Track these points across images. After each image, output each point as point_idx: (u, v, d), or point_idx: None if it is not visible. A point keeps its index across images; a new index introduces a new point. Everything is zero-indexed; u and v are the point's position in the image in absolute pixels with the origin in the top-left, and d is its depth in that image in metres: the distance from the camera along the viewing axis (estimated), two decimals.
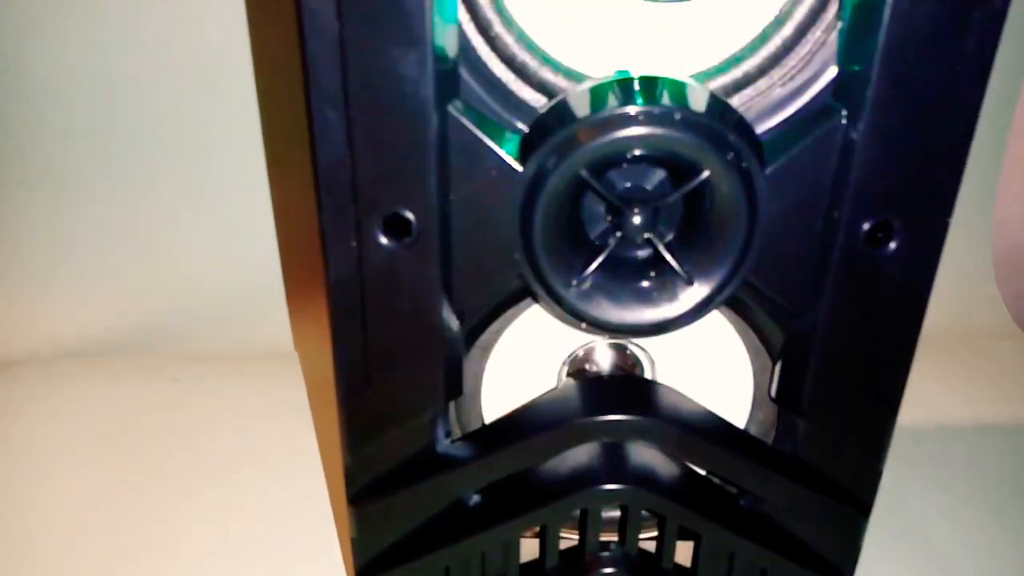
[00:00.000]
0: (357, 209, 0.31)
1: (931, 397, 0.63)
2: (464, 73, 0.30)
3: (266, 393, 0.62)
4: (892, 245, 0.31)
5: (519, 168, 0.30)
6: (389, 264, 0.32)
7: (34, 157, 0.66)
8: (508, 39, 0.30)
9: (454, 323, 0.35)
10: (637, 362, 0.39)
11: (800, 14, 0.30)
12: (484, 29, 0.30)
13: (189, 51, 0.64)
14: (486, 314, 0.36)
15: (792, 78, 0.31)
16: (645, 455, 0.37)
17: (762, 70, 0.31)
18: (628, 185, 0.32)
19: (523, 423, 0.37)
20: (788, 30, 0.30)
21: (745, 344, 0.37)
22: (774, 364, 0.37)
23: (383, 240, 0.31)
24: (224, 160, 0.67)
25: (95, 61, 0.63)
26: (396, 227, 0.31)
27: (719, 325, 0.37)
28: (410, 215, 0.31)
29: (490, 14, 0.30)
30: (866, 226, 0.31)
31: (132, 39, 0.63)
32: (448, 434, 0.38)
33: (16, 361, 0.65)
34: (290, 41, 0.31)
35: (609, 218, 0.32)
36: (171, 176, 0.68)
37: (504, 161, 0.30)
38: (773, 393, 0.37)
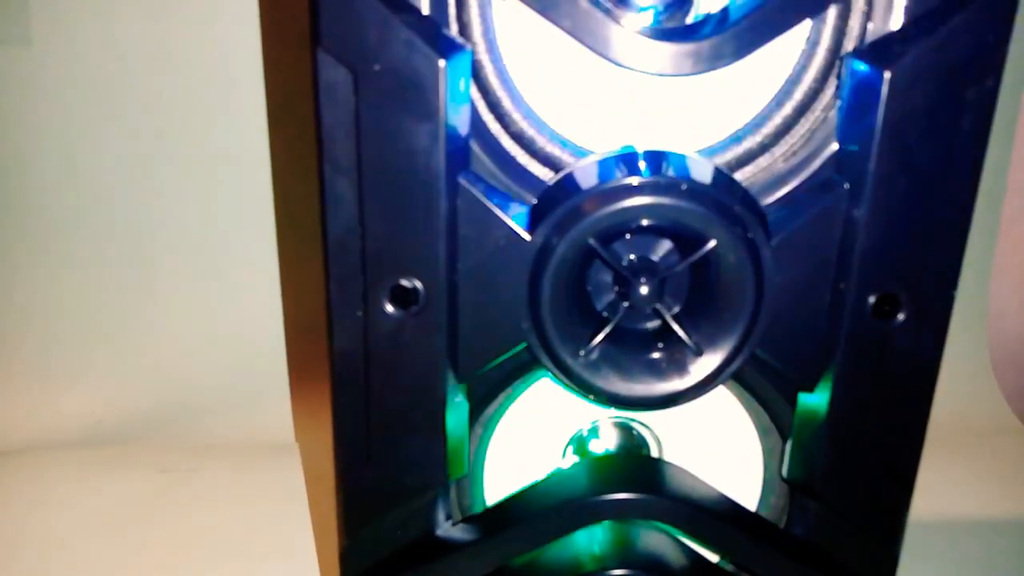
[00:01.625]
0: (365, 278, 0.31)
1: (936, 492, 0.62)
2: (475, 146, 0.31)
3: (260, 484, 0.60)
4: (899, 318, 0.31)
5: (528, 237, 0.30)
6: (395, 334, 0.32)
7: (25, 245, 0.67)
8: (516, 116, 0.31)
9: (459, 397, 0.34)
10: (643, 442, 0.39)
11: (799, 94, 0.31)
12: (494, 105, 0.31)
13: (186, 144, 0.65)
14: (491, 388, 0.36)
15: (794, 154, 0.32)
16: (654, 538, 0.36)
17: (764, 147, 0.32)
18: (635, 256, 0.32)
19: (527, 504, 0.36)
20: (788, 109, 0.31)
21: (754, 422, 0.37)
22: (784, 443, 0.36)
23: (390, 309, 0.31)
24: (220, 247, 0.68)
25: (90, 150, 0.65)
26: (403, 296, 0.31)
27: (727, 403, 0.37)
28: (418, 284, 0.31)
29: (500, 92, 0.31)
30: (872, 299, 0.31)
31: (127, 131, 0.64)
32: (449, 516, 0.36)
33: (3, 452, 0.64)
34: (305, 118, 0.31)
35: (616, 289, 0.32)
36: (166, 264, 0.68)
37: (513, 231, 0.30)
38: (785, 473, 0.36)
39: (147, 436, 0.66)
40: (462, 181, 0.30)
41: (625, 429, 0.39)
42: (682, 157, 0.31)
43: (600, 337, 0.31)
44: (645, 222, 0.30)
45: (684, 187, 0.29)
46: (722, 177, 0.31)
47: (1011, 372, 0.76)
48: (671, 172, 0.30)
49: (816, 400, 0.34)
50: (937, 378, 0.32)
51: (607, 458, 0.37)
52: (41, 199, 0.66)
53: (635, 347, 0.33)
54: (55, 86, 0.63)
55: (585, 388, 0.32)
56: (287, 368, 0.69)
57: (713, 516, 0.35)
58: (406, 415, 0.33)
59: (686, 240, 0.31)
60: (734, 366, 0.32)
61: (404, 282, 0.31)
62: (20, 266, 0.67)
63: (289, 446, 0.65)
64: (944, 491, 0.62)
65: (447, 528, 0.36)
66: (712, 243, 0.30)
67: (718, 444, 0.38)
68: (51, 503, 0.57)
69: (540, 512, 0.35)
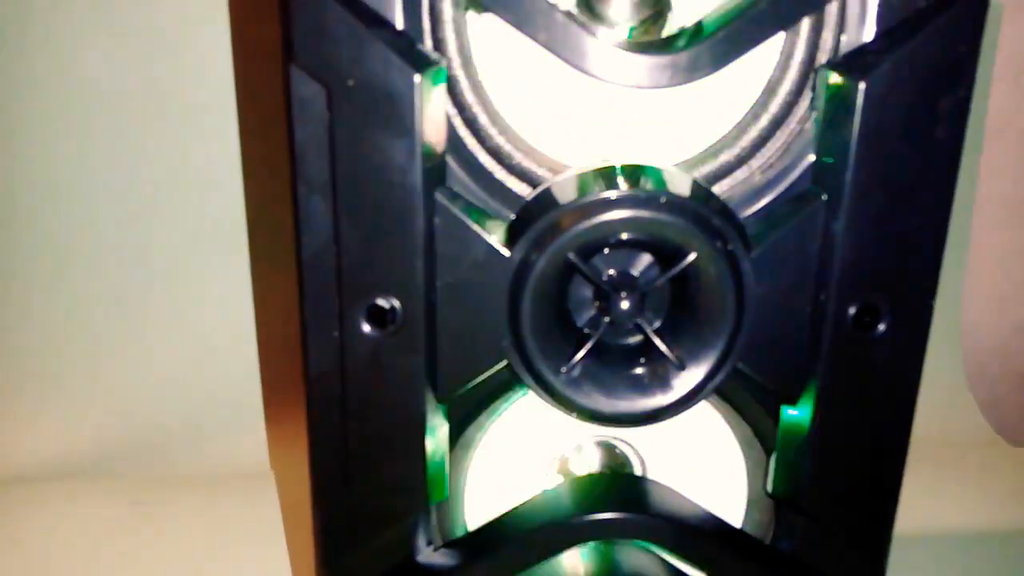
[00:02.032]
0: (341, 298, 0.31)
1: (918, 505, 0.62)
2: (451, 162, 0.31)
3: (235, 514, 0.58)
4: (880, 328, 0.31)
5: (506, 253, 0.30)
6: (372, 354, 0.31)
7: None
8: (493, 131, 0.31)
9: (438, 418, 0.33)
10: (626, 461, 0.38)
11: (775, 107, 0.31)
12: (470, 121, 0.31)
13: (155, 171, 0.64)
14: (471, 410, 0.35)
15: (771, 166, 0.32)
16: (639, 557, 0.35)
17: (741, 159, 0.32)
18: (615, 271, 0.32)
19: (510, 527, 0.35)
20: (764, 122, 0.31)
21: (737, 438, 0.37)
22: (768, 458, 0.36)
23: (366, 329, 0.31)
24: (191, 274, 0.67)
25: (58, 180, 0.64)
26: (380, 315, 0.31)
27: (709, 419, 0.37)
28: (395, 303, 0.30)
29: (475, 107, 0.31)
30: (853, 309, 0.31)
31: (91, 161, 0.63)
32: (430, 542, 0.35)
33: None
34: (279, 140, 0.31)
35: (597, 304, 0.32)
36: (136, 293, 0.67)
37: (492, 247, 0.30)
38: (769, 488, 0.36)
39: (118, 468, 0.64)
40: (439, 197, 0.30)
41: (608, 448, 0.38)
42: (659, 171, 0.31)
43: (582, 353, 0.31)
44: (624, 236, 0.29)
45: (663, 200, 0.29)
46: (700, 190, 0.31)
47: (985, 385, 0.77)
48: (649, 185, 0.29)
49: (799, 413, 0.34)
50: (919, 387, 0.32)
51: (590, 478, 0.37)
52: (17, 234, 0.65)
53: (617, 363, 0.32)
54: (29, 119, 0.62)
55: (568, 405, 0.32)
56: (262, 394, 0.68)
57: (698, 534, 0.35)
58: (384, 438, 0.33)
59: (666, 254, 0.30)
60: (717, 380, 0.31)
61: (381, 301, 0.31)
62: None
63: (264, 474, 0.64)
64: (926, 504, 0.62)
65: (428, 554, 0.35)
66: (692, 256, 0.29)
67: (701, 461, 0.37)
68: (20, 537, 0.55)
69: (523, 535, 0.34)
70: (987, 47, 0.70)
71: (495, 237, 0.30)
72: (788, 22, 0.29)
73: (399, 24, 0.28)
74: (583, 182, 0.30)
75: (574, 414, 0.32)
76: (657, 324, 0.32)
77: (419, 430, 0.32)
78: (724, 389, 0.34)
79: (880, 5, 0.28)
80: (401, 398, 0.32)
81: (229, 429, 0.67)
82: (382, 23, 0.28)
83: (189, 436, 0.66)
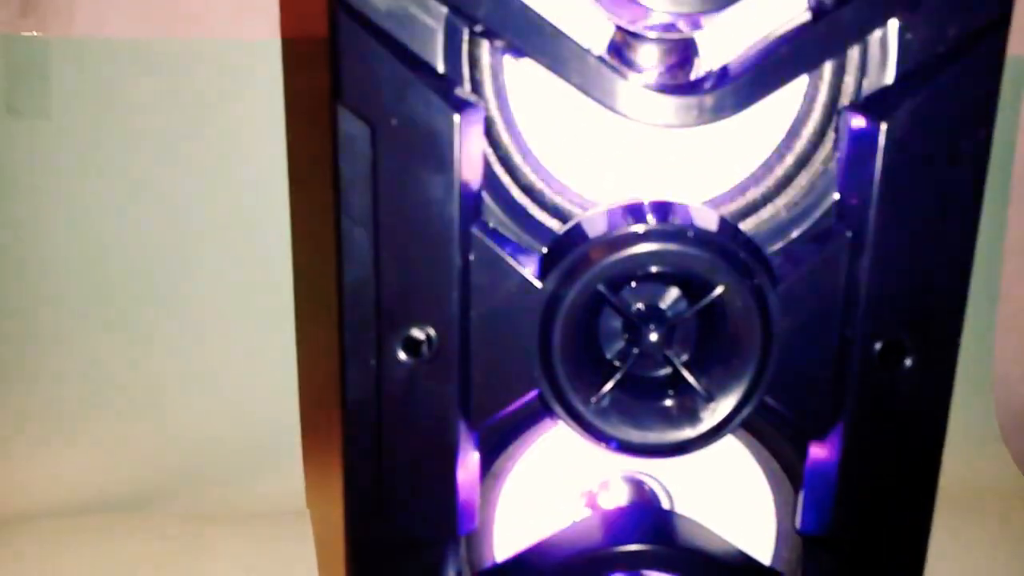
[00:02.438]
0: (379, 327, 0.32)
1: (949, 556, 0.61)
2: (486, 197, 0.32)
3: (269, 552, 0.59)
4: (906, 364, 0.32)
5: (539, 285, 0.31)
6: (407, 382, 0.32)
7: (35, 313, 0.67)
8: (526, 169, 0.32)
9: (470, 448, 0.34)
10: (654, 495, 0.38)
11: (799, 147, 0.32)
12: (504, 159, 0.32)
13: (201, 213, 0.66)
14: (501, 439, 0.36)
15: (796, 204, 0.33)
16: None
17: (767, 198, 0.33)
18: (643, 304, 0.33)
19: (538, 559, 0.36)
20: (789, 161, 0.32)
21: (765, 473, 0.37)
22: (797, 494, 0.36)
23: (402, 357, 0.32)
24: (234, 312, 0.68)
25: (105, 221, 0.66)
26: (416, 344, 0.32)
27: (737, 454, 0.37)
28: (431, 332, 0.32)
29: (510, 146, 0.32)
30: (878, 345, 0.32)
31: (141, 201, 0.66)
32: (459, 573, 0.36)
33: (6, 520, 0.63)
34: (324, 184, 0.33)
35: (626, 336, 0.33)
36: (177, 328, 0.68)
37: (524, 278, 0.31)
38: (798, 525, 0.36)
39: (155, 504, 0.65)
40: (475, 231, 0.31)
41: (636, 482, 0.39)
42: (687, 207, 0.32)
43: (611, 383, 0.32)
44: (653, 269, 0.30)
45: (690, 234, 0.30)
46: (727, 226, 0.32)
47: (1019, 436, 0.76)
48: (677, 220, 0.31)
49: (827, 449, 0.34)
50: (947, 425, 0.33)
51: (618, 511, 0.37)
52: (53, 267, 0.67)
53: (646, 395, 0.33)
54: (71, 159, 0.65)
55: (597, 436, 0.32)
56: (300, 433, 0.69)
57: (726, 570, 0.35)
58: (417, 466, 0.33)
59: (693, 287, 0.31)
60: (744, 412, 0.32)
61: (417, 330, 0.32)
62: (28, 332, 0.67)
63: (301, 512, 0.64)
64: (959, 554, 0.60)
65: None
66: (719, 289, 0.30)
67: (730, 496, 0.37)
68: (54, 571, 0.56)
69: (551, 567, 0.35)
70: (1013, 98, 0.71)
71: (528, 270, 0.31)
72: (810, 66, 0.30)
73: (440, 67, 0.30)
74: (612, 217, 0.31)
75: (603, 445, 0.32)
76: (685, 357, 0.33)
77: (451, 458, 0.33)
78: (752, 423, 0.35)
79: (900, 49, 0.29)
80: (434, 426, 0.33)
81: (266, 468, 0.67)
82: (424, 66, 0.30)
83: (227, 473, 0.67)
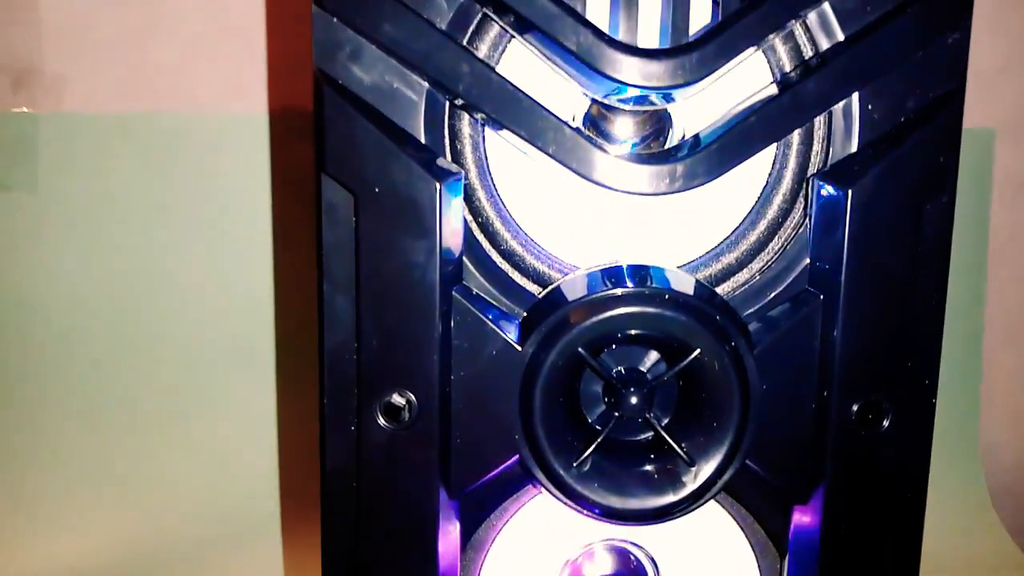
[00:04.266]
0: (359, 392, 0.32)
1: None
2: (467, 263, 0.33)
3: None
4: (884, 424, 0.32)
5: (518, 348, 0.31)
6: (388, 448, 0.32)
7: (22, 390, 0.66)
8: (506, 234, 0.33)
9: (451, 517, 0.34)
10: (640, 565, 0.38)
11: (771, 213, 0.33)
12: (485, 225, 0.33)
13: (183, 288, 0.67)
14: (482, 508, 0.35)
15: (770, 268, 0.33)
16: None
17: (741, 263, 0.33)
18: (623, 368, 0.33)
19: None
20: (762, 227, 0.33)
21: (750, 540, 0.36)
22: (783, 560, 0.36)
23: (383, 422, 0.32)
24: (215, 391, 0.68)
25: (90, 296, 0.66)
26: (397, 410, 0.32)
27: (721, 521, 0.37)
28: (411, 397, 0.32)
29: (490, 212, 0.33)
30: (855, 407, 0.32)
31: (126, 276, 0.66)
32: None
33: None
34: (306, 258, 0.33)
35: (607, 400, 0.33)
36: (157, 404, 0.68)
37: (505, 341, 0.31)
38: None
39: None
40: (456, 295, 0.31)
41: (620, 551, 0.38)
42: (663, 271, 0.32)
43: (592, 447, 0.32)
44: (632, 332, 0.31)
45: (667, 297, 0.30)
46: (703, 289, 0.32)
47: (1010, 504, 0.75)
48: (654, 284, 0.31)
49: (810, 514, 0.34)
50: (927, 486, 0.33)
51: None
52: (39, 344, 0.66)
53: (628, 459, 0.33)
54: (57, 231, 0.65)
55: (579, 501, 0.32)
56: (279, 513, 0.67)
57: None
58: (397, 535, 0.33)
59: (672, 350, 0.32)
60: (726, 476, 0.32)
61: (397, 395, 0.32)
62: (14, 412, 0.67)
63: None
64: None
65: None
66: (696, 352, 0.31)
67: (714, 563, 0.37)
68: None
69: None
70: (984, 168, 0.73)
71: (509, 334, 0.32)
72: (778, 135, 0.31)
73: (422, 138, 0.31)
74: (591, 281, 0.32)
75: (585, 511, 0.32)
76: (666, 421, 0.33)
77: (432, 528, 0.33)
78: (735, 488, 0.35)
79: (862, 120, 0.31)
80: (414, 494, 0.33)
81: (244, 543, 0.66)
82: (406, 137, 0.31)
83: (204, 550, 0.66)
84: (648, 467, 0.33)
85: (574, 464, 0.32)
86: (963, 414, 0.76)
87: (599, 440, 0.32)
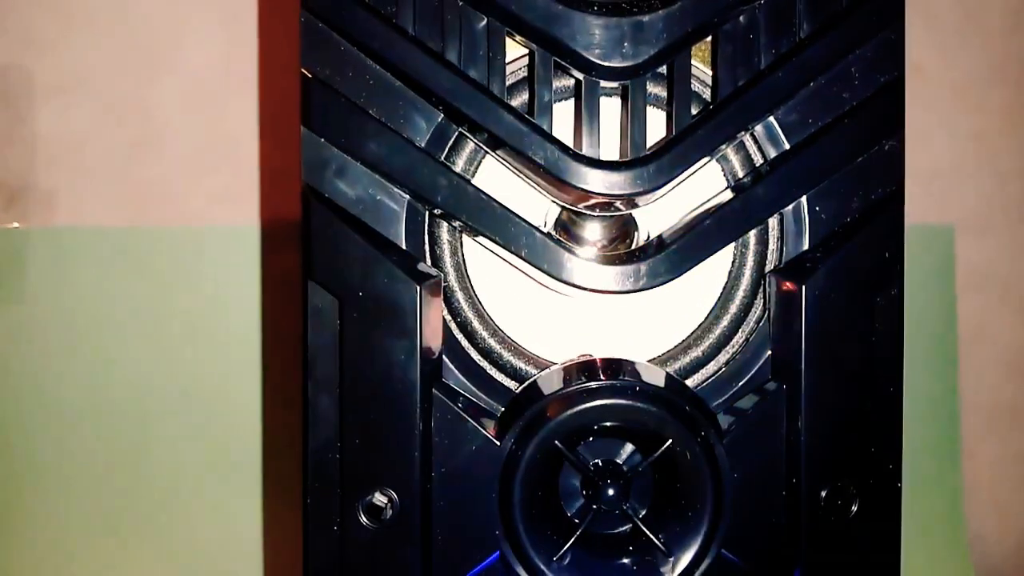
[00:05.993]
0: (342, 491, 0.33)
1: None
2: (447, 361, 0.34)
3: None
4: (853, 509, 0.33)
5: (497, 443, 0.32)
6: (370, 547, 0.33)
7: (4, 497, 0.66)
8: (484, 334, 0.35)
9: None
10: None
11: (734, 308, 0.35)
12: (463, 325, 0.35)
13: (175, 398, 0.67)
14: None
15: (735, 360, 0.35)
16: None
17: (708, 356, 0.35)
18: (600, 461, 0.34)
19: None
20: (725, 322, 0.35)
21: None
22: None
23: (365, 521, 0.33)
24: (204, 497, 0.68)
25: (78, 407, 0.66)
26: (379, 508, 0.33)
27: None
28: (393, 495, 0.32)
29: (468, 313, 0.35)
30: (824, 493, 0.33)
31: (116, 388, 0.66)
32: None
33: None
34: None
35: (585, 492, 0.34)
36: (140, 505, 0.67)
37: (484, 436, 0.32)
38: None
39: None
40: (436, 393, 0.33)
41: None
42: (635, 364, 0.34)
43: (572, 541, 0.32)
44: (606, 424, 0.32)
45: (638, 389, 0.32)
46: (672, 381, 0.34)
47: None
48: (626, 377, 0.33)
49: None
50: (900, 570, 0.33)
51: None
52: (26, 452, 0.66)
53: (607, 552, 0.33)
54: (44, 342, 0.66)
55: None
56: None
57: None
58: None
59: (645, 442, 0.33)
60: (703, 566, 0.32)
61: (380, 493, 0.33)
62: None
63: None
64: None
65: None
66: (668, 442, 0.32)
67: None
68: None
69: None
70: (947, 264, 0.76)
71: (488, 429, 0.33)
72: (734, 236, 0.33)
73: (403, 245, 0.33)
74: (566, 375, 0.33)
75: None
76: (643, 513, 0.34)
77: None
78: None
79: (811, 220, 0.33)
80: None
81: None
82: (388, 244, 0.33)
83: None
84: (626, 560, 0.33)
85: (554, 559, 0.32)
86: (948, 508, 0.76)
87: (578, 533, 0.32)
